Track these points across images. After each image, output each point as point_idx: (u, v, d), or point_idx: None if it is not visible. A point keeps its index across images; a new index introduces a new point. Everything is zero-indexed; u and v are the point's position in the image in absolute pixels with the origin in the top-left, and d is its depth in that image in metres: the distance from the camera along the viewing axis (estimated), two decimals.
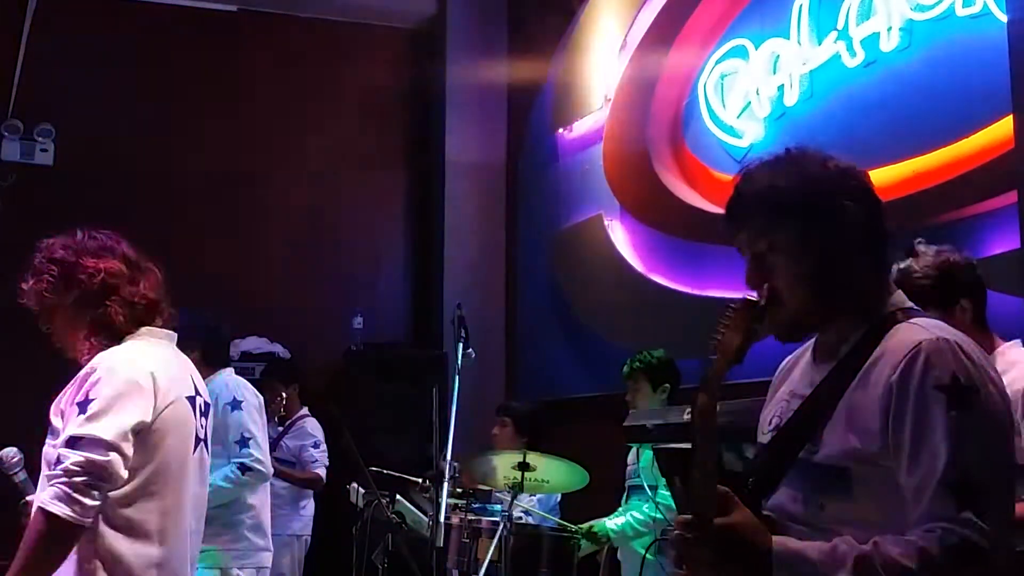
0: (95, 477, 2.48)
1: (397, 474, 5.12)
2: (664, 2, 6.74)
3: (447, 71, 8.40)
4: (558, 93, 7.82)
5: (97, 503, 2.49)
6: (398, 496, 5.00)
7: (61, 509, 2.44)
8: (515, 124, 8.33)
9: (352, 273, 8.33)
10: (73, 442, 2.51)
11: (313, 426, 6.41)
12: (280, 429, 6.27)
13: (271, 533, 4.64)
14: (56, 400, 2.69)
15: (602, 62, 7.29)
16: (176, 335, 2.82)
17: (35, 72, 7.77)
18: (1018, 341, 2.85)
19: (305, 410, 6.50)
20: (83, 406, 2.54)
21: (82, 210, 7.54)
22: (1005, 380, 1.81)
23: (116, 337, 2.67)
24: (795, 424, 1.79)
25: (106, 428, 2.51)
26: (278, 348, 7.55)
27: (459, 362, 4.51)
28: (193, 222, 7.57)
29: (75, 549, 2.51)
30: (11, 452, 2.99)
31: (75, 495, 2.45)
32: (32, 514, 2.52)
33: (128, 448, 2.54)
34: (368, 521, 4.94)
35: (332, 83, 8.46)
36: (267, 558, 4.55)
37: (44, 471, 2.64)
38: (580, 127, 7.47)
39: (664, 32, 6.69)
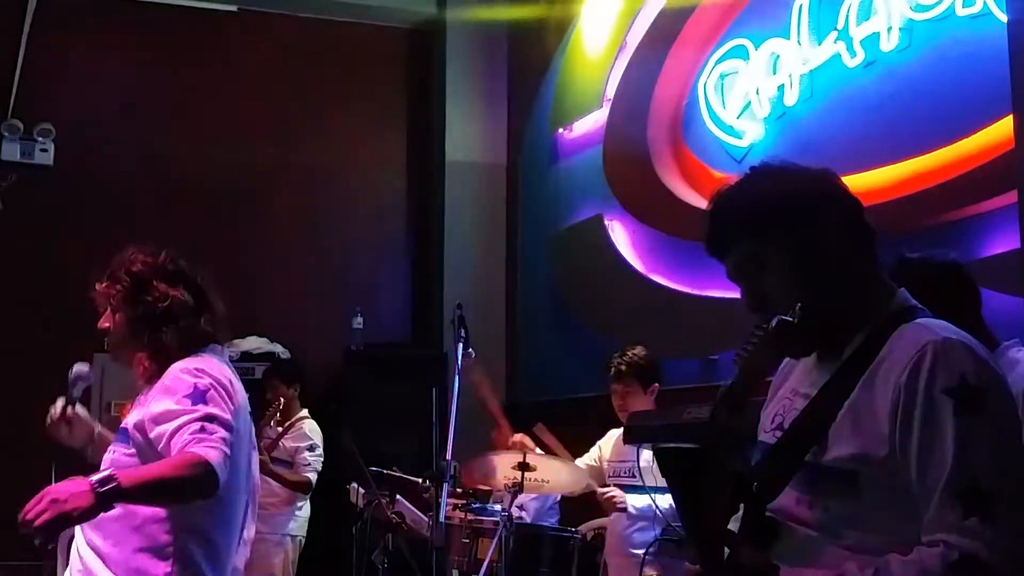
0: (227, 443, 2.51)
1: (397, 474, 5.12)
2: (664, 2, 6.74)
3: (447, 71, 8.40)
4: (558, 93, 7.82)
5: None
6: (398, 496, 5.01)
7: (218, 464, 2.45)
8: (515, 124, 8.33)
9: (352, 273, 8.33)
10: (200, 419, 2.52)
11: (311, 428, 6.38)
12: (280, 429, 6.27)
13: (265, 532, 4.63)
14: (129, 411, 2.76)
15: (602, 62, 7.29)
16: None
17: (35, 72, 7.77)
18: (1018, 341, 2.85)
19: (305, 412, 6.48)
20: (192, 397, 2.59)
21: (82, 210, 7.67)
22: None
23: (168, 360, 2.74)
24: (801, 426, 1.76)
25: (222, 409, 2.59)
26: (278, 348, 7.53)
27: (459, 362, 4.51)
28: (193, 221, 7.56)
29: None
30: (85, 369, 3.02)
31: (225, 453, 2.47)
32: (186, 454, 2.50)
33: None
34: (368, 521, 4.94)
35: (332, 83, 8.46)
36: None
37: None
38: (580, 127, 7.47)
39: (664, 32, 6.69)
